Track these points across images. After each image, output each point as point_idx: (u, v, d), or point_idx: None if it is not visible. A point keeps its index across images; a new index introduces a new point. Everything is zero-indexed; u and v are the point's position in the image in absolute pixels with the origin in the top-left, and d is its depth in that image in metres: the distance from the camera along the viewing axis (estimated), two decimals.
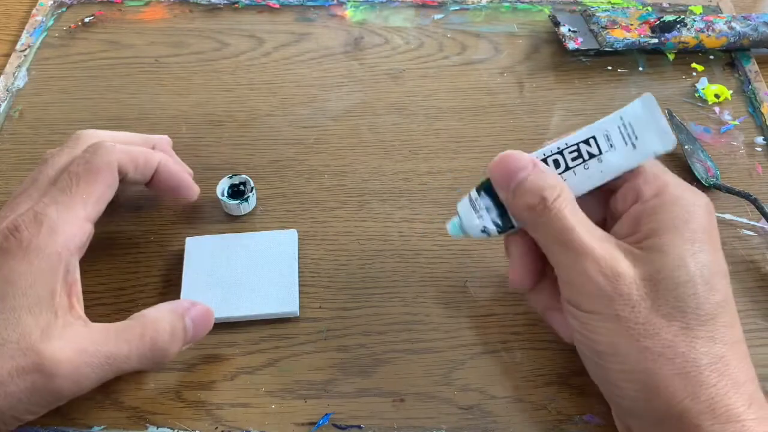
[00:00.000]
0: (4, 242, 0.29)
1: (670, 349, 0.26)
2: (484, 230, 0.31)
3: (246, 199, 0.38)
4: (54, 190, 0.31)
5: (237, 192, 0.39)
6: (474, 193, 0.31)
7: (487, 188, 0.30)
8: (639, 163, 0.29)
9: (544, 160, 0.30)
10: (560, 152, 0.30)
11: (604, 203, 0.31)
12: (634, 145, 0.29)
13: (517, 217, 0.30)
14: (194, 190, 0.37)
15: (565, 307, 0.29)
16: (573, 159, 0.29)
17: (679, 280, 0.27)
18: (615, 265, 0.27)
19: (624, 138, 0.29)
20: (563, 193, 0.28)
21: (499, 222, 0.30)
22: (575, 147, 0.29)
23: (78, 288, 0.31)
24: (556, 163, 0.30)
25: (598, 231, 0.28)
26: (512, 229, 0.31)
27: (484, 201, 0.30)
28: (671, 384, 0.26)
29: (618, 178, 0.29)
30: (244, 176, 0.39)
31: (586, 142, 0.29)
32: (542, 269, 0.31)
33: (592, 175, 0.29)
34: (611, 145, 0.29)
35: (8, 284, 0.28)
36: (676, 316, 0.26)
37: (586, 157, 0.29)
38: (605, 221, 0.31)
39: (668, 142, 0.28)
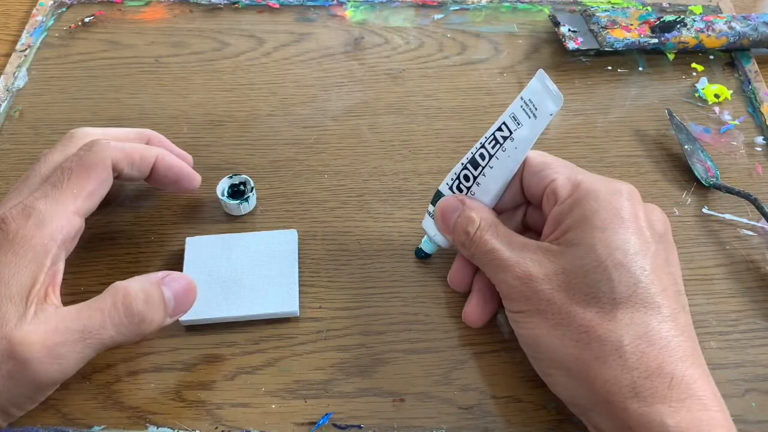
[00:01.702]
0: None
1: (587, 334, 0.27)
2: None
3: (246, 199, 0.38)
4: (46, 185, 0.31)
5: (237, 192, 0.39)
6: (431, 209, 0.35)
7: (437, 196, 0.35)
8: (542, 128, 0.31)
9: (473, 158, 0.34)
10: (482, 146, 0.33)
11: (529, 209, 0.35)
12: (535, 116, 0.31)
13: (461, 252, 0.34)
14: (196, 181, 0.37)
15: (507, 316, 0.32)
16: (492, 147, 0.33)
17: (589, 267, 0.28)
18: (526, 269, 0.30)
19: (527, 113, 0.32)
20: (482, 223, 0.32)
21: None
22: (492, 136, 0.33)
23: (59, 279, 0.31)
24: (482, 156, 0.33)
25: (517, 241, 0.31)
26: None
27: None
28: (592, 368, 0.27)
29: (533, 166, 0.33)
30: (244, 176, 0.39)
31: (499, 128, 0.33)
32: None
33: (510, 155, 0.32)
34: (518, 123, 0.32)
35: None
36: (590, 302, 0.28)
37: (501, 141, 0.32)
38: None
39: (558, 100, 0.31)
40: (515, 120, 0.32)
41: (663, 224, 0.31)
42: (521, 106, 0.32)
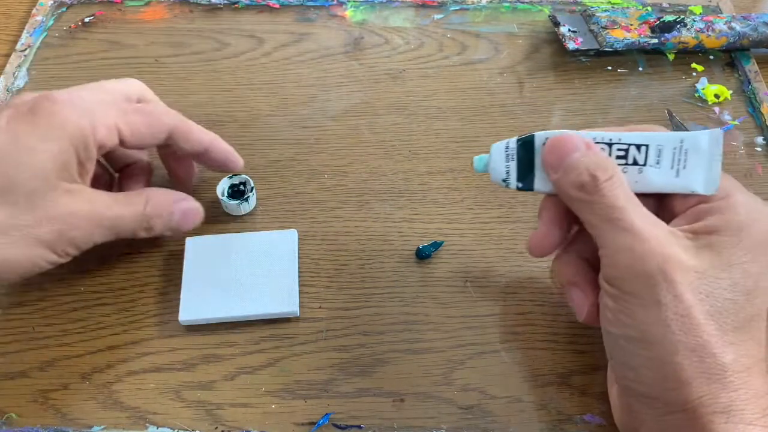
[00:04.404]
0: (35, 104, 0.31)
1: (703, 348, 0.26)
2: (505, 180, 0.31)
3: (246, 199, 0.38)
4: (101, 93, 0.34)
5: (237, 192, 0.39)
6: (513, 143, 0.31)
7: (527, 144, 0.30)
8: (673, 191, 0.28)
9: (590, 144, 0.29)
10: (610, 144, 0.29)
11: (657, 202, 0.31)
12: (677, 172, 0.28)
13: (565, 197, 0.29)
14: (240, 163, 0.38)
15: (602, 287, 0.29)
16: (618, 157, 0.29)
17: (724, 283, 0.26)
18: (665, 250, 0.26)
19: (673, 160, 0.28)
20: (615, 175, 0.28)
21: (521, 182, 0.31)
22: (626, 147, 0.29)
23: (90, 173, 0.33)
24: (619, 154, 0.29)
25: (651, 216, 0.28)
26: (530, 191, 0.31)
27: (518, 154, 0.31)
28: (696, 381, 0.26)
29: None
30: (244, 176, 0.39)
31: (638, 147, 0.29)
32: (566, 241, 0.32)
33: (628, 179, 0.29)
34: (658, 162, 0.28)
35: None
36: (714, 315, 0.26)
37: (630, 161, 0.29)
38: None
39: (711, 187, 0.28)
40: (658, 154, 0.28)
41: None
42: (674, 147, 0.28)
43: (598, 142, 0.29)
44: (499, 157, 0.31)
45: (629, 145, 0.29)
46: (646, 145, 0.28)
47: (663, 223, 0.28)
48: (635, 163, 0.29)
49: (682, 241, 0.27)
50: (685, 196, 0.29)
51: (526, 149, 0.30)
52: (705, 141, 0.28)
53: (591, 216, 0.28)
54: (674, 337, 0.26)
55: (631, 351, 0.27)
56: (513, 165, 0.31)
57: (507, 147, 0.31)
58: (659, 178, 0.28)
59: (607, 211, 0.27)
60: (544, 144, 0.30)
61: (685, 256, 0.27)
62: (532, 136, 0.30)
